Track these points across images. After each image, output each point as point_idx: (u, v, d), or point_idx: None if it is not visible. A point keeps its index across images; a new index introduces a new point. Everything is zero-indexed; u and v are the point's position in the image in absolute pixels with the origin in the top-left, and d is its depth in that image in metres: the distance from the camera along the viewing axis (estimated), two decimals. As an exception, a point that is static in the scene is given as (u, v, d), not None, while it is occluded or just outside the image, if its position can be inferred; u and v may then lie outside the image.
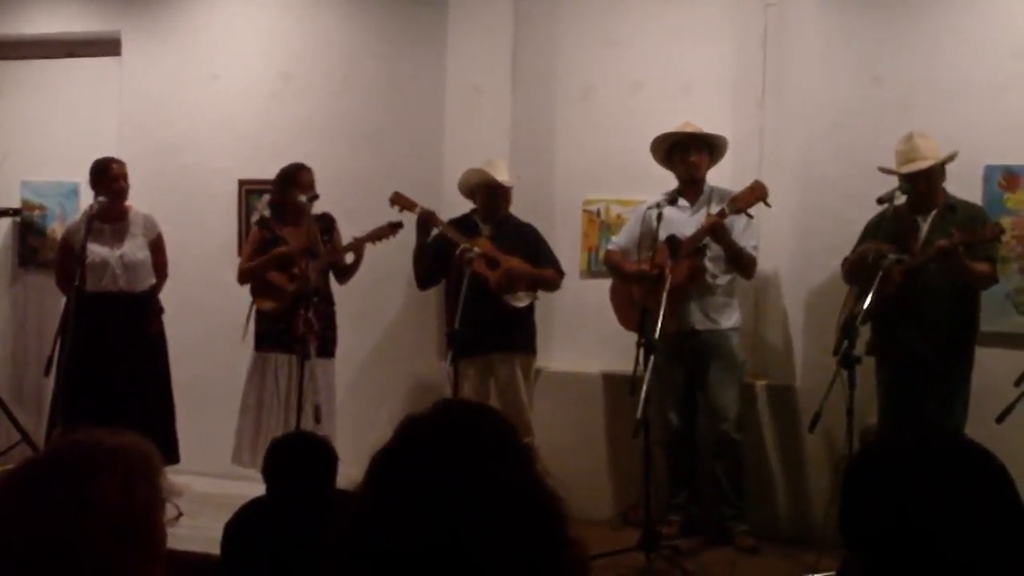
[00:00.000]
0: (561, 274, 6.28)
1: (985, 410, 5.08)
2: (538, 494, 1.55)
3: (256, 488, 3.76)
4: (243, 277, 6.28)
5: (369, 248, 6.17)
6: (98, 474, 1.74)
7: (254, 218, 6.52)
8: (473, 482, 1.49)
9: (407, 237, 6.18)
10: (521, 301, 6.12)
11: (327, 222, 6.29)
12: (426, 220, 6.12)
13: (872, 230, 5.47)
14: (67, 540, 1.68)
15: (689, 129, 5.90)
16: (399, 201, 6.17)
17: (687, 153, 5.92)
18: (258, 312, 6.25)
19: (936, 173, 5.39)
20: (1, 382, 7.46)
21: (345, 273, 6.30)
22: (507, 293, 6.06)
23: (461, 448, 1.54)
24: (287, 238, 6.20)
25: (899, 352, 5.47)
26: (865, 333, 5.47)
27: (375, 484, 1.56)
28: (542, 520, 1.53)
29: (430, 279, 6.32)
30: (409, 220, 6.16)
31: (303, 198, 6.07)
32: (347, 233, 6.28)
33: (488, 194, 6.21)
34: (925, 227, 5.39)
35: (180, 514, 1.58)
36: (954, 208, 5.39)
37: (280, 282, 6.16)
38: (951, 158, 5.39)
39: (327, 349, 6.18)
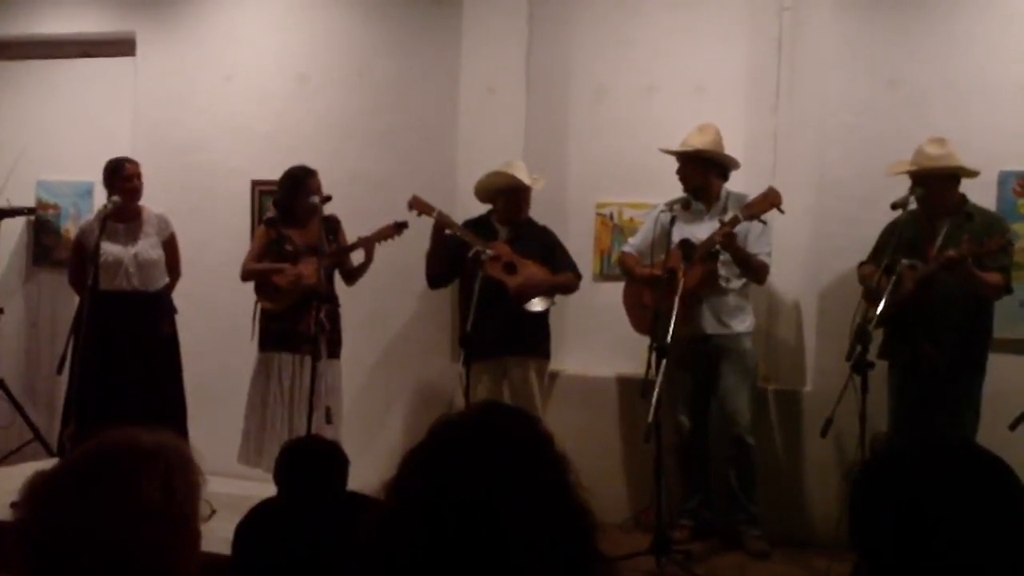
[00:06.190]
0: (579, 277, 6.28)
1: (998, 417, 5.05)
2: (571, 505, 1.54)
3: (264, 488, 3.76)
4: (247, 275, 6.28)
5: (381, 250, 6.16)
6: (138, 472, 1.75)
7: (267, 215, 6.52)
8: (505, 487, 1.48)
9: (421, 238, 6.18)
10: (539, 307, 6.12)
11: (332, 224, 6.26)
12: (443, 225, 6.11)
13: (889, 235, 5.44)
14: (108, 538, 1.69)
15: (696, 140, 5.84)
16: (417, 205, 6.15)
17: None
18: (262, 312, 6.25)
19: (936, 178, 5.35)
20: (14, 380, 7.48)
21: (353, 274, 6.29)
22: (526, 301, 6.06)
23: (495, 452, 1.52)
24: (293, 239, 6.21)
25: (910, 357, 5.45)
26: (879, 337, 5.46)
27: (406, 482, 1.54)
28: (572, 532, 1.52)
29: (442, 279, 6.32)
30: (425, 223, 6.15)
31: (315, 199, 6.07)
32: (356, 233, 6.27)
33: (512, 197, 6.20)
34: (941, 234, 5.35)
35: (213, 511, 1.58)
36: (972, 216, 5.35)
37: (283, 282, 6.17)
38: (966, 172, 5.36)
39: (333, 350, 6.19)
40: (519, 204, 6.22)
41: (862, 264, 5.62)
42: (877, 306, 5.11)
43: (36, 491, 1.75)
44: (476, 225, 6.23)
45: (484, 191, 6.25)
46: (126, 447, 1.79)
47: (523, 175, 6.16)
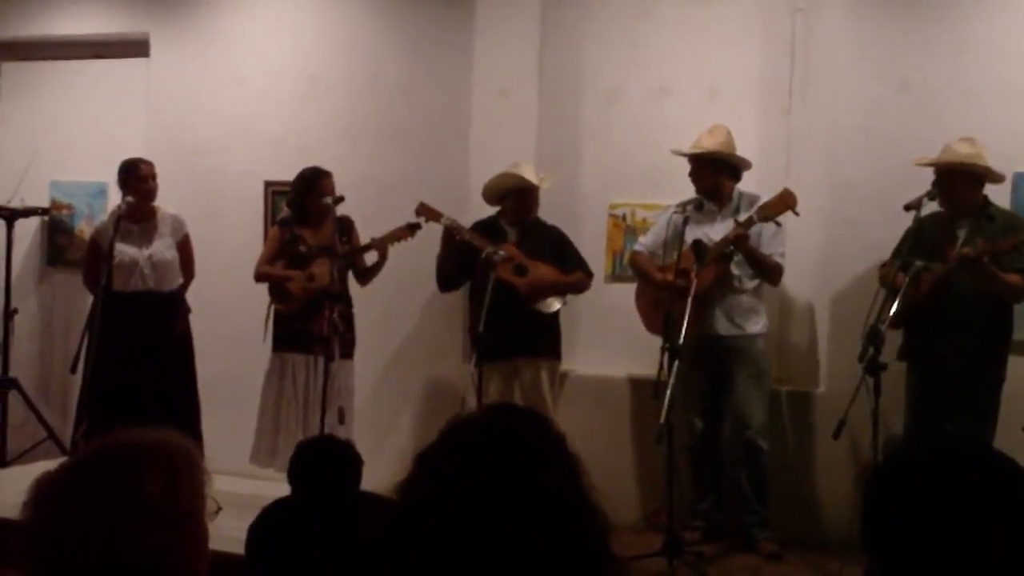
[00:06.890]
0: (590, 275, 6.27)
1: (1014, 419, 5.03)
2: (583, 506, 1.54)
3: (275, 487, 3.77)
4: (260, 277, 6.31)
5: (393, 251, 6.17)
6: (142, 470, 1.75)
7: (280, 215, 6.54)
8: (517, 488, 1.48)
9: (433, 239, 6.19)
10: (551, 307, 6.12)
11: (345, 224, 6.27)
12: (451, 231, 6.12)
13: (911, 236, 5.40)
14: (113, 537, 1.70)
15: (707, 141, 5.85)
16: (425, 212, 6.16)
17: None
18: (275, 313, 6.27)
19: (959, 175, 5.33)
20: (28, 380, 7.51)
21: (366, 275, 6.31)
22: (537, 302, 6.06)
23: (508, 453, 1.53)
24: (307, 239, 6.22)
25: (928, 358, 5.42)
26: (897, 338, 5.44)
27: (418, 483, 1.55)
28: (585, 533, 1.52)
29: (452, 282, 6.33)
30: (434, 227, 6.16)
31: (328, 200, 6.08)
32: (367, 235, 6.28)
33: (519, 197, 6.19)
34: (962, 235, 5.32)
35: (219, 508, 1.59)
36: (993, 217, 5.31)
37: (295, 289, 6.18)
38: (989, 175, 5.33)
39: (347, 351, 6.20)
40: (527, 204, 6.22)
41: (883, 265, 5.58)
42: (890, 301, 5.09)
43: (42, 490, 1.76)
44: (484, 227, 6.23)
45: (492, 193, 6.25)
46: (130, 445, 1.79)
47: (530, 175, 6.16)
